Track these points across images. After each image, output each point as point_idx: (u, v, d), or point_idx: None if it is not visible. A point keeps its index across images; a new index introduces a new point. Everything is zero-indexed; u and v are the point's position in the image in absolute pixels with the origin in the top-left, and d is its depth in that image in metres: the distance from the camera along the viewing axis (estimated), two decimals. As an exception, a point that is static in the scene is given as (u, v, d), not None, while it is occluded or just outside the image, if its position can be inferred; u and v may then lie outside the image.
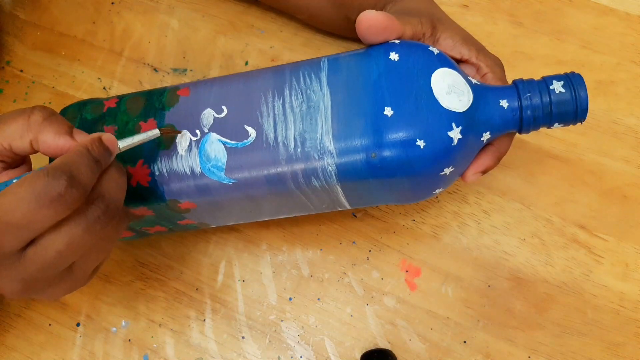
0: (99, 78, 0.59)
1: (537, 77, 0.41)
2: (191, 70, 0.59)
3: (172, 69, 0.59)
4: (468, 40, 0.43)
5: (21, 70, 0.60)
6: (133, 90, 0.58)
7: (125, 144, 0.38)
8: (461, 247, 0.52)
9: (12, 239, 0.33)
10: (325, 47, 0.59)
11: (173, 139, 0.41)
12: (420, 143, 0.37)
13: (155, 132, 0.39)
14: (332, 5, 0.52)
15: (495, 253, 0.52)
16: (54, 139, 0.36)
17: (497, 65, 0.44)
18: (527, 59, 0.57)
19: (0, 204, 0.32)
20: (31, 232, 0.33)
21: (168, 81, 0.58)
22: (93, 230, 0.34)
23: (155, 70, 0.59)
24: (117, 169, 0.37)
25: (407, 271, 0.52)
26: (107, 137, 0.36)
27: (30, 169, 0.40)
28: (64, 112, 0.45)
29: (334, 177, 0.39)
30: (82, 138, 0.37)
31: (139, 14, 0.61)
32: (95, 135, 0.36)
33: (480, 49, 0.43)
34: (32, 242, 0.33)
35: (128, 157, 0.41)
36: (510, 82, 0.44)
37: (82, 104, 0.45)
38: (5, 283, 0.35)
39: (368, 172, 0.38)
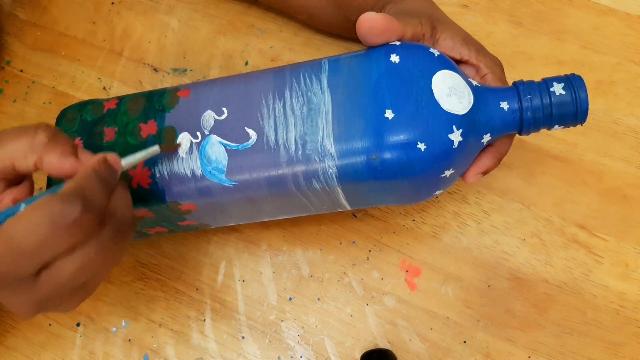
0: (99, 78, 0.59)
1: (537, 77, 0.41)
2: (191, 70, 0.59)
3: (172, 69, 0.59)
4: (468, 40, 0.43)
5: (21, 70, 0.60)
6: (133, 91, 0.58)
7: (127, 162, 0.38)
8: (461, 247, 0.52)
9: (27, 264, 0.33)
10: (325, 47, 0.59)
11: (174, 140, 0.41)
12: (421, 146, 0.37)
13: (155, 149, 0.39)
14: (332, 6, 0.52)
15: (495, 253, 0.52)
16: (60, 161, 0.36)
17: (497, 65, 0.44)
18: (527, 59, 0.57)
19: (14, 230, 0.32)
20: (46, 257, 0.33)
21: (168, 81, 0.58)
22: (106, 249, 0.35)
23: (155, 70, 0.59)
24: (123, 186, 0.37)
25: (407, 271, 0.52)
26: (112, 157, 0.36)
27: (32, 186, 0.40)
28: (64, 113, 0.45)
29: (335, 179, 0.39)
30: (87, 158, 0.36)
31: (139, 14, 0.61)
32: (100, 156, 0.36)
33: (480, 50, 0.43)
34: (45, 265, 0.33)
35: None
36: (510, 82, 0.44)
37: (82, 105, 0.45)
38: (21, 305, 0.35)
39: (369, 174, 0.38)
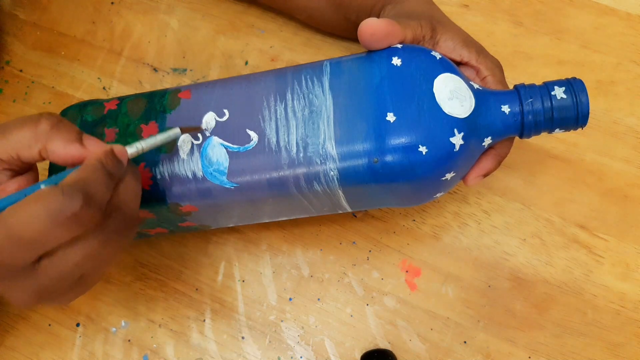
0: (98, 78, 0.59)
1: (537, 77, 0.41)
2: (191, 70, 0.59)
3: (172, 69, 0.59)
4: (468, 42, 0.43)
5: (21, 70, 0.60)
6: (133, 90, 0.58)
7: (147, 144, 0.37)
8: (461, 247, 0.52)
9: (25, 254, 0.33)
10: (325, 47, 0.59)
11: (175, 141, 0.41)
12: (423, 149, 0.37)
13: (176, 132, 0.39)
14: (331, 6, 0.52)
15: (496, 253, 0.52)
16: (64, 148, 0.35)
17: (497, 67, 0.44)
18: (527, 59, 0.57)
19: (13, 219, 0.31)
20: (44, 247, 0.33)
21: (168, 81, 0.58)
22: (110, 242, 0.34)
23: (155, 70, 0.59)
24: (133, 175, 0.36)
25: (407, 271, 0.52)
26: (118, 149, 0.36)
27: (37, 176, 0.39)
28: (64, 113, 0.45)
29: (336, 181, 0.39)
30: (93, 144, 0.36)
31: (139, 14, 0.61)
32: (107, 147, 0.36)
33: (480, 51, 0.43)
34: (46, 254, 0.33)
35: None
36: (510, 83, 0.44)
37: (83, 106, 0.45)
38: (18, 295, 0.35)
39: (370, 177, 0.38)
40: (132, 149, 0.37)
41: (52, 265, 0.34)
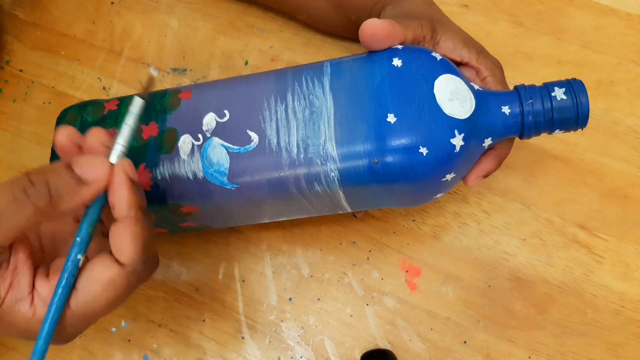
0: (98, 78, 0.59)
1: (537, 78, 0.41)
2: (191, 70, 0.59)
3: (172, 69, 0.59)
4: (468, 42, 0.43)
5: (21, 70, 0.60)
6: (133, 90, 0.58)
7: (123, 138, 0.33)
8: (461, 247, 0.52)
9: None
10: (326, 47, 0.59)
11: (175, 142, 0.41)
12: (423, 150, 0.37)
13: (138, 102, 0.34)
14: (331, 6, 0.52)
15: (496, 253, 0.52)
16: (73, 201, 0.32)
17: (497, 67, 0.44)
18: (527, 59, 0.57)
19: (92, 308, 0.33)
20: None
21: (168, 81, 0.58)
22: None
23: (155, 70, 0.59)
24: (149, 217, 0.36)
25: (407, 271, 0.52)
26: (126, 166, 0.33)
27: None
28: (64, 113, 0.45)
29: (337, 182, 0.39)
30: (95, 171, 0.32)
31: (139, 14, 0.61)
32: (125, 175, 0.33)
33: (480, 52, 0.43)
34: None
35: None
36: (510, 84, 0.44)
37: (83, 106, 0.45)
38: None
39: (370, 178, 0.38)
40: (114, 156, 0.33)
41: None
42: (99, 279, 0.32)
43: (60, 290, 0.32)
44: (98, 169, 0.32)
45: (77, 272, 0.33)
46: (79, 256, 0.33)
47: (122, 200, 0.32)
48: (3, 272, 0.32)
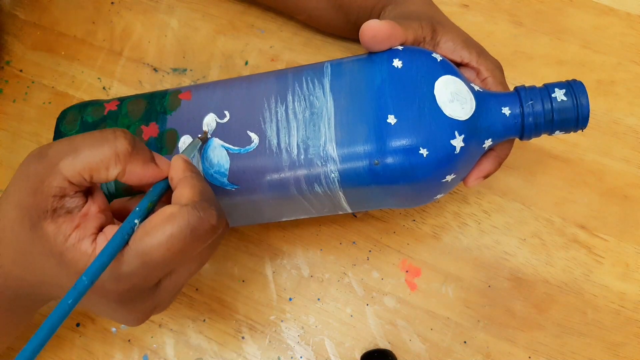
0: (98, 78, 0.59)
1: (537, 78, 0.41)
2: (191, 70, 0.59)
3: (172, 69, 0.59)
4: (468, 43, 0.43)
5: (21, 70, 0.60)
6: (133, 90, 0.58)
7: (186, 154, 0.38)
8: (461, 247, 0.52)
9: (156, 276, 0.33)
10: (326, 47, 0.59)
11: (175, 143, 0.41)
12: (423, 151, 0.37)
13: (197, 142, 0.39)
14: (331, 7, 0.52)
15: (496, 253, 0.52)
16: (143, 169, 0.34)
17: (497, 68, 0.44)
18: (528, 59, 0.57)
19: (148, 245, 0.31)
20: (178, 265, 0.33)
21: (168, 81, 0.58)
22: (217, 247, 0.35)
23: (155, 70, 0.59)
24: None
25: (407, 271, 0.52)
26: (186, 157, 0.36)
27: (102, 194, 0.36)
28: (64, 114, 0.45)
29: (337, 183, 0.39)
30: (165, 163, 0.35)
31: (139, 14, 0.61)
32: (183, 158, 0.35)
33: (480, 52, 0.43)
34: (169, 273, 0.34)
35: None
36: (510, 84, 0.44)
37: (83, 106, 0.45)
38: (135, 315, 0.35)
39: (371, 179, 0.38)
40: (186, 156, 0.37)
41: (172, 283, 0.34)
42: (159, 213, 0.32)
43: (120, 230, 0.32)
44: (168, 163, 0.36)
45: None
46: (136, 221, 0.33)
47: (179, 168, 0.35)
48: (74, 216, 0.33)
